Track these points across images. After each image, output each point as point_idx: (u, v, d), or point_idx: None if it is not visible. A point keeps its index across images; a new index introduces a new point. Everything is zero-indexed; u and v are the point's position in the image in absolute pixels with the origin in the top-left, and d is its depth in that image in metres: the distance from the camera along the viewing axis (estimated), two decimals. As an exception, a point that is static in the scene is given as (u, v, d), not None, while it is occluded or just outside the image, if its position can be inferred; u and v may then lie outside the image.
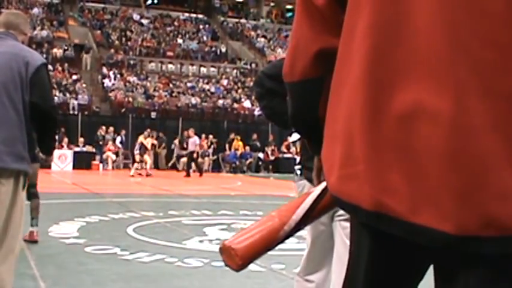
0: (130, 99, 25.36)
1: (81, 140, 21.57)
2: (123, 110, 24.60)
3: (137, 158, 18.73)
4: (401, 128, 1.02)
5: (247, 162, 22.95)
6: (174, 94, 26.79)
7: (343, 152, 1.11)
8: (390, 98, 1.03)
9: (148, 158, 18.87)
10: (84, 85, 26.02)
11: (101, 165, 21.07)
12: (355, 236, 1.19)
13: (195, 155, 19.52)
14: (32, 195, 5.55)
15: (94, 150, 21.68)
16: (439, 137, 0.99)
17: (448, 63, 0.99)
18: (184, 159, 18.63)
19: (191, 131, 19.84)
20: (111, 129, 22.14)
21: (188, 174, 19.02)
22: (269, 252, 1.32)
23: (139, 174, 18.33)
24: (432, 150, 0.99)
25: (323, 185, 1.28)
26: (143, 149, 18.72)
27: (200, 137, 20.63)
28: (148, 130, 19.83)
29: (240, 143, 23.00)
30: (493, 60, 0.98)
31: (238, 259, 1.25)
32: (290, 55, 1.27)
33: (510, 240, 0.97)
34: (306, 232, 2.73)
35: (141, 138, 19.11)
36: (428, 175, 0.99)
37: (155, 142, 19.79)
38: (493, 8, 0.98)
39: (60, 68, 26.10)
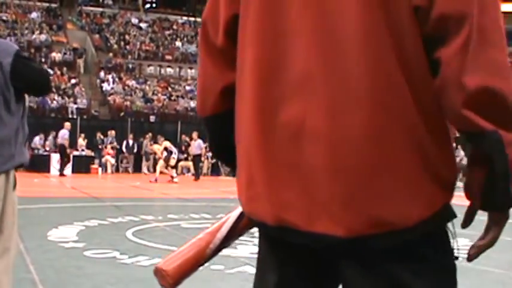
0: (129, 103, 25.36)
1: (80, 143, 21.55)
2: (121, 114, 24.60)
3: (172, 162, 18.27)
4: (289, 149, 1.14)
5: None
6: (172, 98, 26.80)
7: (246, 174, 1.24)
8: (277, 122, 1.16)
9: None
10: (83, 89, 26.01)
11: (99, 169, 21.05)
12: (263, 251, 1.33)
13: (202, 158, 19.42)
14: None
15: (93, 154, 21.67)
16: (322, 153, 1.11)
17: (321, 85, 1.11)
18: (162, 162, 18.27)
19: (195, 134, 19.75)
20: (113, 132, 22.09)
21: (198, 177, 19.13)
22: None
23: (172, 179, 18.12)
24: (318, 165, 1.11)
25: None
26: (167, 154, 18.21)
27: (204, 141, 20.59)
28: (162, 139, 19.42)
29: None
30: (358, 78, 1.09)
31: (169, 279, 1.38)
32: (200, 93, 1.41)
33: (395, 234, 1.11)
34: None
35: (165, 144, 18.58)
36: (319, 189, 1.12)
37: (168, 144, 19.20)
38: (346, 37, 1.10)
39: (58, 72, 26.08)
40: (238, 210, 1.40)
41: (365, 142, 1.09)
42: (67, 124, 20.11)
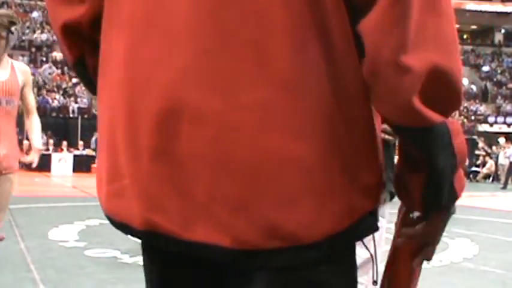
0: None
1: (80, 143, 21.55)
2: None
3: None
4: (161, 133, 0.88)
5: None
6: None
7: (109, 163, 0.97)
8: (147, 94, 0.89)
9: None
10: (84, 88, 26.01)
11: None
12: (144, 258, 1.10)
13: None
14: None
15: (94, 153, 21.66)
16: (204, 139, 0.85)
17: (211, 55, 0.85)
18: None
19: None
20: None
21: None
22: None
23: None
24: (197, 154, 0.86)
25: None
26: None
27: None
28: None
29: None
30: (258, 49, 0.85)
31: None
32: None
33: (299, 250, 0.87)
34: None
35: None
36: (197, 184, 0.86)
37: None
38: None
39: (60, 72, 26.09)
40: None
41: (265, 129, 0.84)
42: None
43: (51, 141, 21.09)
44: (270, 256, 0.87)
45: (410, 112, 0.85)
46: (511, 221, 10.06)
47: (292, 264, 0.88)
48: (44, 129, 23.07)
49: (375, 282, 1.01)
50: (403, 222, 0.97)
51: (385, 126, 2.78)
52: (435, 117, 0.86)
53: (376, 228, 0.94)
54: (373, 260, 1.03)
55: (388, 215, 2.61)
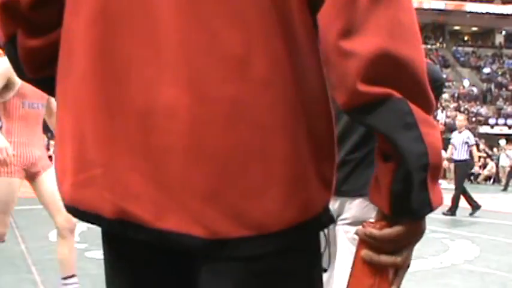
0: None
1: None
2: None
3: None
4: (139, 126, 0.90)
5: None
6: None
7: (76, 154, 0.97)
8: (123, 91, 0.91)
9: None
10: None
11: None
12: (106, 254, 1.08)
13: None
14: None
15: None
16: (178, 133, 0.88)
17: (183, 49, 0.88)
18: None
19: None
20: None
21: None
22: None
23: None
24: (172, 147, 0.88)
25: None
26: None
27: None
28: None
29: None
30: (228, 43, 0.88)
31: None
32: None
33: (266, 239, 0.89)
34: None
35: None
36: (171, 175, 0.89)
37: None
38: None
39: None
40: None
41: (234, 122, 0.87)
42: None
43: (52, 142, 21.10)
44: (239, 245, 0.89)
45: (358, 94, 0.85)
46: (510, 223, 10.05)
47: (260, 253, 0.90)
48: (46, 131, 23.22)
49: (325, 270, 1.03)
50: (373, 223, 0.95)
51: None
52: (386, 90, 0.85)
53: (334, 221, 0.98)
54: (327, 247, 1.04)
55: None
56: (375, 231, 0.93)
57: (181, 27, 0.88)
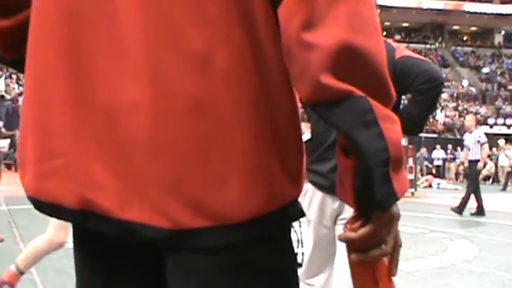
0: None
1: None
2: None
3: None
4: (103, 120, 0.92)
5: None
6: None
7: (38, 145, 0.98)
8: (90, 87, 0.93)
9: None
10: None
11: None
12: (76, 249, 1.08)
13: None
14: None
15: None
16: (140, 126, 0.90)
17: (143, 47, 0.90)
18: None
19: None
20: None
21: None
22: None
23: None
24: (134, 140, 0.90)
25: None
26: None
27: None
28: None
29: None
30: (189, 38, 0.90)
31: None
32: None
33: (227, 229, 0.90)
34: (306, 236, 2.72)
35: None
36: (135, 167, 0.91)
37: None
38: None
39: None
40: None
41: (194, 114, 0.89)
42: None
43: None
44: (201, 236, 0.90)
45: (320, 87, 0.86)
46: (510, 222, 10.06)
47: (223, 244, 0.91)
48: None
49: (300, 265, 1.03)
50: (349, 224, 0.95)
51: None
52: (348, 87, 0.86)
53: (303, 214, 0.98)
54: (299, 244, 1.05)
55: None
56: (353, 235, 0.93)
57: (144, 25, 0.90)
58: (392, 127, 0.88)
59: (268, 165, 0.92)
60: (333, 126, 0.89)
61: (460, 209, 10.62)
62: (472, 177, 10.84)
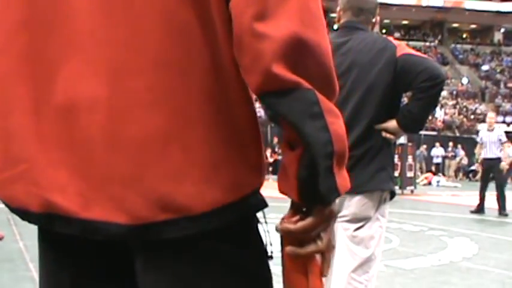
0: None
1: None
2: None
3: None
4: (63, 122, 0.94)
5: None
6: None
7: (4, 150, 1.00)
8: (51, 91, 0.95)
9: None
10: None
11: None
12: (42, 252, 1.12)
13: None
14: None
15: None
16: (98, 124, 0.91)
17: (101, 45, 0.92)
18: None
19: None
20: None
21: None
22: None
23: None
24: (93, 139, 0.92)
25: None
26: None
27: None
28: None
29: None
30: (147, 35, 0.92)
31: None
32: None
33: (190, 221, 0.92)
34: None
35: None
36: (94, 166, 0.92)
37: None
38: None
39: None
40: None
41: (151, 109, 0.91)
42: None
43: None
44: (163, 228, 0.92)
45: (271, 76, 0.88)
46: (510, 220, 10.07)
47: (185, 236, 0.92)
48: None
49: (270, 257, 1.05)
50: (288, 217, 0.97)
51: (385, 125, 2.77)
52: (297, 79, 0.88)
53: (266, 205, 1.00)
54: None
55: (388, 214, 2.62)
56: (291, 226, 0.95)
57: (99, 22, 0.92)
58: (337, 121, 0.91)
59: (226, 156, 0.94)
60: (280, 115, 0.91)
61: (500, 210, 10.47)
62: (497, 175, 10.61)
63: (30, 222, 1.02)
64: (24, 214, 1.00)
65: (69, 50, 0.94)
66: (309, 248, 0.96)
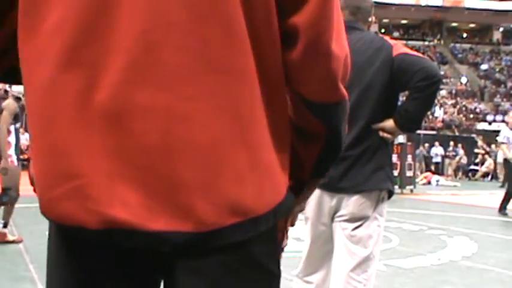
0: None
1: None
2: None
3: None
4: (113, 130, 0.90)
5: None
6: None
7: (53, 166, 0.94)
8: (94, 98, 0.90)
9: None
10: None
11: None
12: (60, 253, 1.02)
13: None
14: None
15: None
16: (156, 131, 0.89)
17: (156, 51, 0.89)
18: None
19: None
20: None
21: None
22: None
23: None
24: (151, 147, 0.89)
25: None
26: None
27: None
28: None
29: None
30: (204, 43, 0.91)
31: None
32: None
33: (254, 223, 0.94)
34: (304, 233, 2.72)
35: None
36: (155, 175, 0.90)
37: None
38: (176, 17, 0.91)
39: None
40: None
41: (215, 114, 0.91)
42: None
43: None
44: (229, 233, 0.93)
45: (335, 91, 1.04)
46: (509, 219, 10.07)
47: (248, 239, 0.95)
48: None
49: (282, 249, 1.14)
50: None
51: (382, 125, 2.78)
52: (346, 92, 1.06)
53: (292, 207, 1.07)
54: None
55: (386, 213, 2.62)
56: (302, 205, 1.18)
57: (148, 30, 0.89)
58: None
59: (278, 156, 0.99)
60: (327, 120, 1.07)
61: (501, 210, 10.42)
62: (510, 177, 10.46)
63: (85, 237, 0.95)
64: (80, 232, 0.94)
65: (111, 54, 0.90)
66: (297, 209, 1.15)
